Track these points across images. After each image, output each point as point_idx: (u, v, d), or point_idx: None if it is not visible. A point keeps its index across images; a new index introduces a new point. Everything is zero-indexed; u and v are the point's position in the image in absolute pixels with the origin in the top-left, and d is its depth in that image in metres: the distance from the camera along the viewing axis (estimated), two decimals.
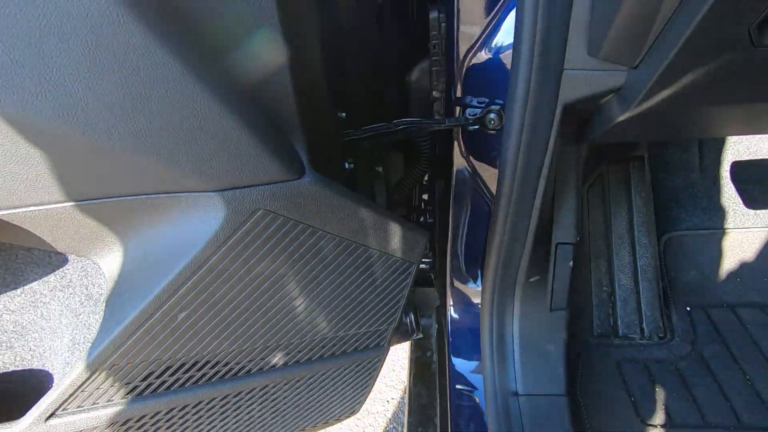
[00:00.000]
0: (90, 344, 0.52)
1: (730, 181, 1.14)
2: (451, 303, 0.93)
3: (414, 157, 0.87)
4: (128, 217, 0.49)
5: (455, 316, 0.93)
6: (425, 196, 1.04)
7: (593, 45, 0.52)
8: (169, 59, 0.38)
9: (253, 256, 0.50)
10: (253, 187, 0.46)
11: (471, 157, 0.79)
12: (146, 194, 0.46)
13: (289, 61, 0.45)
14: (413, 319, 1.07)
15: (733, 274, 1.07)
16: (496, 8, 0.60)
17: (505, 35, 0.62)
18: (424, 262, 1.10)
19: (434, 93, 0.76)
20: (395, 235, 0.57)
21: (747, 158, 1.14)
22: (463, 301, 0.92)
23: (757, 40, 0.40)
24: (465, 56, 0.68)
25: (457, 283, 0.92)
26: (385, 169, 0.81)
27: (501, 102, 0.67)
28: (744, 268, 1.07)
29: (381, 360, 0.69)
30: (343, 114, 0.63)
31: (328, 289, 0.55)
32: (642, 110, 0.55)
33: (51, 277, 0.56)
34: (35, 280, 0.56)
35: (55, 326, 0.58)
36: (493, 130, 0.68)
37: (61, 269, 0.56)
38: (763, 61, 0.43)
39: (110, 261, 0.53)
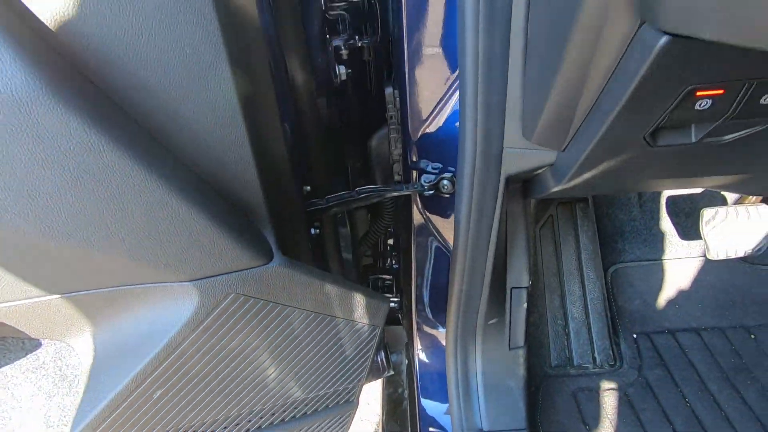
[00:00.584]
0: (66, 427, 0.54)
1: (666, 215, 1.26)
2: (419, 347, 0.98)
3: (377, 212, 0.93)
4: (104, 305, 0.51)
5: (423, 359, 0.98)
6: (390, 241, 1.10)
7: (527, 130, 0.60)
8: (142, 173, 0.42)
9: (226, 335, 0.53)
10: (225, 275, 0.50)
11: (428, 214, 0.85)
12: (122, 286, 0.49)
13: (254, 155, 0.50)
14: (384, 357, 1.11)
15: (671, 302, 1.17)
16: (443, 93, 0.67)
17: (452, 113, 0.69)
18: (392, 302, 1.15)
19: (393, 157, 0.82)
20: (359, 304, 0.62)
21: (679, 193, 1.26)
22: (431, 345, 0.97)
23: (652, 142, 0.48)
24: (418, 128, 0.74)
25: (424, 328, 0.97)
26: (350, 226, 0.86)
27: (453, 170, 0.74)
28: (680, 295, 1.18)
29: (352, 414, 0.72)
30: (308, 188, 0.68)
31: (299, 357, 0.59)
32: (573, 183, 0.63)
33: (23, 360, 0.58)
34: (7, 364, 0.57)
35: (26, 407, 0.59)
36: (446, 194, 0.75)
37: (34, 352, 0.57)
38: (662, 154, 0.52)
39: (85, 344, 0.55)
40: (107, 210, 0.42)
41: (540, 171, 0.68)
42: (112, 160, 0.39)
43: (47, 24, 0.37)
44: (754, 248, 1.06)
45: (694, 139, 0.47)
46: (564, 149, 0.59)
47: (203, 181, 0.48)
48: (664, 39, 0.34)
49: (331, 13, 0.65)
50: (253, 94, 0.50)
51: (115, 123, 0.40)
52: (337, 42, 0.66)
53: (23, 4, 0.37)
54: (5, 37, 0.34)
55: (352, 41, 0.68)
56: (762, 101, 0.42)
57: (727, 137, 0.48)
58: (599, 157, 0.53)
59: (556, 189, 0.65)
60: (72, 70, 0.38)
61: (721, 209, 1.05)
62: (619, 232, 1.25)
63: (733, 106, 0.42)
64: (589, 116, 0.49)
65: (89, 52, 0.38)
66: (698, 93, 0.41)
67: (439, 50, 0.65)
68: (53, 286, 0.48)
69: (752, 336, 1.09)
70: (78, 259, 0.45)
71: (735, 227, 1.04)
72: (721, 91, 0.41)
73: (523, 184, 0.82)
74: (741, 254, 1.07)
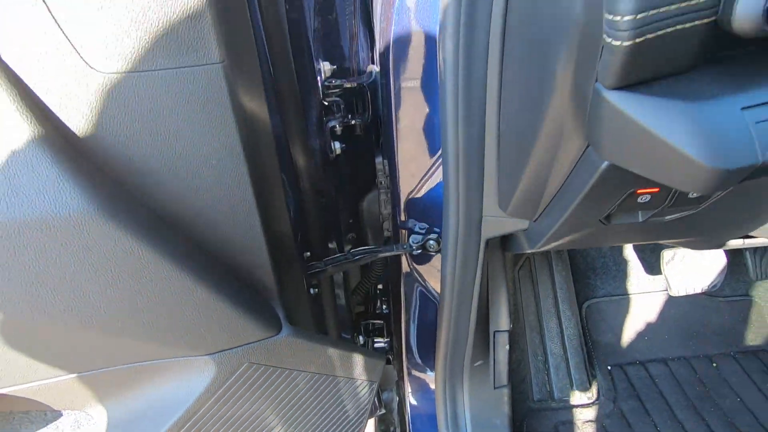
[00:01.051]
0: None
1: (633, 251, 1.36)
2: (410, 391, 1.04)
3: (368, 264, 0.99)
4: (126, 378, 0.56)
5: (414, 402, 1.03)
6: (380, 286, 1.17)
7: (502, 203, 0.68)
8: (172, 267, 0.48)
9: (239, 400, 0.59)
10: (240, 347, 0.56)
11: (415, 265, 0.93)
12: (146, 362, 0.55)
13: (265, 239, 0.56)
14: (376, 396, 1.16)
15: (641, 334, 1.27)
16: (429, 166, 0.76)
17: (437, 184, 0.77)
18: (382, 342, 1.21)
19: (383, 216, 0.90)
20: (357, 363, 0.68)
21: None
22: (420, 389, 1.03)
23: (606, 222, 0.57)
24: (406, 193, 0.82)
25: (413, 372, 1.03)
26: (343, 278, 0.93)
27: (438, 230, 0.82)
28: (648, 327, 1.27)
29: None
30: (308, 253, 0.74)
31: (305, 414, 0.64)
32: (544, 248, 0.71)
33: (43, 430, 0.61)
34: None
35: None
36: (433, 252, 0.82)
37: (54, 422, 0.61)
38: (617, 227, 0.61)
39: (104, 413, 0.59)
40: (140, 300, 0.47)
41: (516, 234, 0.76)
42: (148, 261, 0.45)
43: (97, 150, 0.43)
44: (710, 284, 1.17)
45: (640, 219, 0.56)
46: (535, 220, 0.67)
47: (221, 264, 0.54)
48: (605, 163, 0.42)
49: (328, 99, 0.73)
50: (263, 183, 0.56)
51: (149, 227, 0.46)
52: (333, 122, 0.74)
53: (70, 129, 0.43)
54: (64, 165, 0.41)
55: (345, 120, 0.76)
56: (690, 195, 0.52)
57: (667, 218, 0.57)
58: (565, 231, 0.62)
59: (529, 251, 0.73)
60: (116, 187, 0.44)
61: (679, 250, 1.16)
62: (591, 268, 1.35)
63: (668, 199, 0.52)
64: (553, 202, 0.58)
65: (132, 171, 0.45)
66: (638, 191, 0.50)
67: (425, 130, 0.74)
68: (83, 366, 0.53)
69: (714, 365, 1.19)
70: (109, 342, 0.50)
71: (692, 266, 1.15)
72: (656, 190, 0.50)
73: (502, 239, 0.91)
74: (699, 290, 1.18)
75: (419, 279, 0.94)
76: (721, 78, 0.33)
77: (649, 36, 0.30)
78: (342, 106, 0.75)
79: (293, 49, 0.59)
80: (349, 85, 0.74)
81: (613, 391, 1.16)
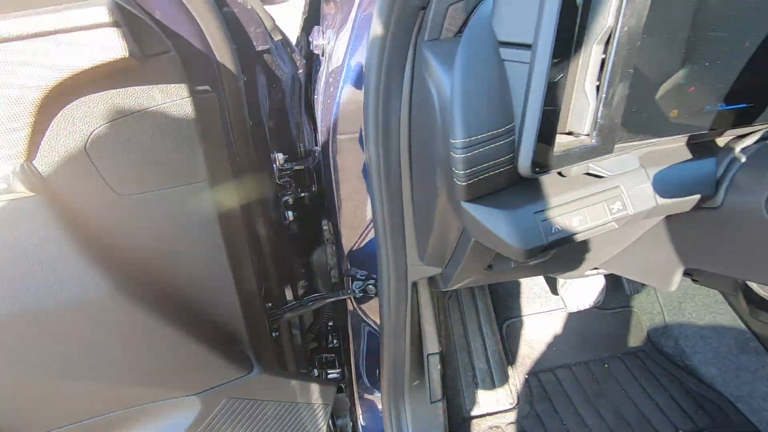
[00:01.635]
0: None
1: (541, 277, 1.65)
2: (360, 413, 1.20)
3: (320, 307, 1.17)
4: (124, 421, 0.69)
5: (364, 423, 1.20)
6: (331, 323, 1.34)
7: (420, 257, 0.89)
8: (169, 327, 0.63)
9: (222, 429, 0.73)
10: (221, 386, 0.71)
11: (359, 306, 1.12)
12: (142, 405, 0.68)
13: (239, 298, 0.73)
14: (331, 424, 1.31)
15: (549, 345, 1.53)
16: (365, 227, 0.96)
17: (371, 239, 0.97)
18: (335, 373, 1.37)
19: (330, 265, 1.09)
20: (314, 390, 0.85)
21: None
22: (369, 409, 1.20)
23: (489, 269, 0.80)
24: (348, 247, 1.02)
25: (364, 395, 1.20)
26: (299, 320, 1.09)
27: (375, 277, 1.01)
28: (555, 339, 1.54)
29: None
30: (269, 304, 0.91)
31: None
32: (454, 288, 0.94)
33: None
34: None
35: None
36: (372, 295, 1.02)
37: None
38: (501, 271, 0.84)
39: None
40: (144, 356, 0.62)
41: (434, 277, 0.98)
42: (152, 324, 0.61)
43: (119, 247, 0.59)
44: (595, 301, 1.46)
45: (513, 266, 0.80)
46: (445, 267, 0.89)
47: (205, 320, 0.70)
48: (473, 240, 0.65)
49: (282, 180, 0.92)
50: (235, 256, 0.74)
51: (153, 299, 0.62)
52: (286, 197, 0.93)
53: (97, 231, 0.59)
54: (85, 256, 0.56)
55: (296, 194, 0.95)
56: None
57: (531, 263, 0.81)
58: (464, 276, 0.84)
59: (444, 290, 0.95)
60: (130, 272, 0.60)
61: None
62: (509, 293, 1.61)
63: None
64: (452, 257, 0.80)
65: (143, 258, 0.61)
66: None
67: (362, 200, 0.95)
68: (86, 414, 0.66)
69: (606, 366, 1.47)
70: (110, 392, 0.64)
71: (580, 288, 1.44)
72: None
73: (429, 281, 1.13)
74: (589, 306, 1.47)
75: (363, 316, 1.13)
76: (523, 194, 0.57)
77: (475, 179, 0.52)
78: (293, 184, 0.94)
79: (255, 149, 0.78)
80: (298, 168, 0.93)
81: (529, 396, 1.40)
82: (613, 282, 1.56)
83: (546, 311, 1.58)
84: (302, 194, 0.96)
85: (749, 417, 1.25)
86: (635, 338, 1.54)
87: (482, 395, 1.38)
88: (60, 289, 0.54)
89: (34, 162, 0.50)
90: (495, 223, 0.56)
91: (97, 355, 0.58)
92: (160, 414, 0.69)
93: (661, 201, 0.61)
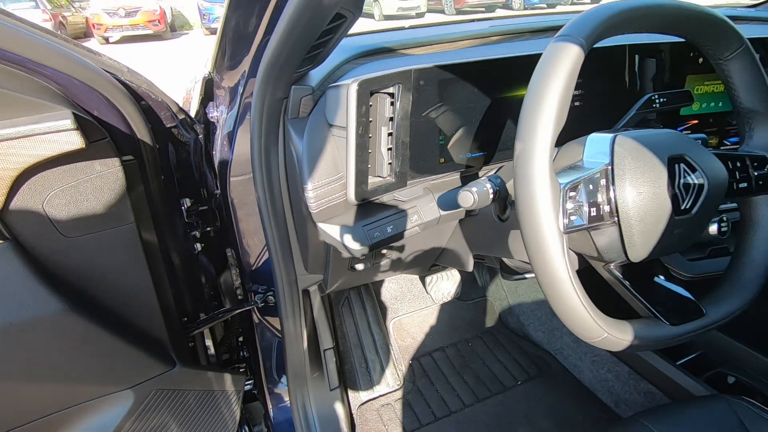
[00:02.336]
0: None
1: (418, 282, 2.03)
2: (271, 407, 1.43)
3: (229, 322, 1.40)
4: (74, 415, 0.86)
5: (274, 414, 1.43)
6: (240, 339, 1.56)
7: (306, 266, 1.19)
8: (109, 334, 0.84)
9: (152, 416, 0.93)
10: (150, 379, 0.92)
11: (263, 316, 1.37)
12: (85, 402, 0.87)
13: (160, 309, 0.95)
14: (247, 430, 1.51)
15: (427, 334, 1.90)
16: (260, 250, 1.23)
17: (268, 259, 1.25)
18: (247, 384, 1.57)
19: (235, 284, 1.33)
20: (228, 379, 1.07)
21: None
22: (279, 401, 1.43)
23: (353, 270, 1.12)
24: (250, 267, 1.28)
25: (274, 390, 1.43)
26: (212, 338, 1.31)
27: (273, 289, 1.28)
28: (431, 329, 1.92)
29: None
30: (185, 318, 1.13)
31: (196, 416, 1.01)
32: (333, 289, 1.24)
33: None
34: None
35: None
36: (272, 304, 1.28)
37: None
38: (365, 271, 1.17)
39: None
40: (87, 360, 0.82)
41: (319, 282, 1.28)
42: (95, 332, 0.81)
43: (67, 271, 0.79)
44: (455, 293, 1.88)
45: (370, 266, 1.13)
46: (324, 273, 1.20)
47: (137, 329, 0.91)
48: (332, 246, 0.97)
49: (190, 219, 1.16)
50: (156, 278, 0.97)
51: (94, 314, 0.82)
52: (194, 232, 1.17)
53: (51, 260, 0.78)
54: (42, 285, 0.76)
55: (202, 229, 1.19)
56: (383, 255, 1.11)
57: (381, 263, 1.16)
58: (337, 278, 1.15)
59: (328, 291, 1.26)
60: (74, 292, 0.81)
61: (434, 276, 1.85)
62: (393, 297, 1.97)
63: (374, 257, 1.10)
64: (326, 265, 1.11)
65: (87, 283, 0.81)
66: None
67: (257, 229, 1.22)
68: (38, 413, 0.82)
69: (469, 344, 1.87)
70: (60, 393, 0.82)
71: (442, 284, 1.85)
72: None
73: (318, 287, 1.42)
74: (450, 298, 1.88)
75: (266, 324, 1.38)
76: (355, 215, 0.91)
77: (322, 208, 0.85)
78: (200, 222, 1.18)
79: (167, 197, 1.02)
80: (202, 208, 1.18)
81: (412, 376, 1.74)
82: (469, 279, 2.00)
83: (423, 308, 1.96)
84: (208, 229, 1.21)
85: (563, 363, 1.73)
86: (490, 320, 1.98)
87: (375, 381, 1.69)
88: (22, 310, 0.74)
89: (3, 218, 0.70)
90: (338, 234, 0.88)
91: (51, 361, 0.77)
92: (101, 408, 0.87)
93: (443, 213, 0.99)
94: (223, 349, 1.37)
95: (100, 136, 0.75)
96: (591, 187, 0.66)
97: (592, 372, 1.61)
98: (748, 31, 1.49)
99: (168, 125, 0.95)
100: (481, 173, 1.04)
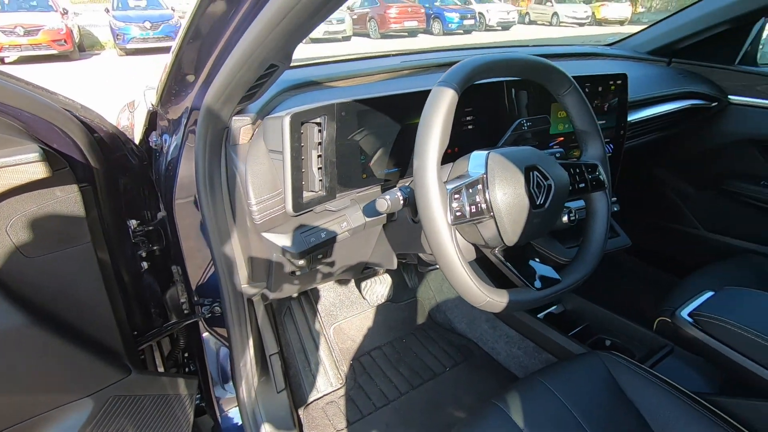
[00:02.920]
0: None
1: (354, 287, 2.21)
2: (220, 417, 1.51)
3: (175, 337, 1.47)
4: (36, 425, 0.92)
5: (222, 421, 1.51)
6: (186, 354, 1.62)
7: (250, 276, 1.32)
8: (71, 347, 0.91)
9: (111, 422, 1.00)
10: (107, 387, 1.00)
11: (210, 327, 1.46)
12: (49, 410, 0.92)
13: (115, 323, 1.04)
14: None
15: (365, 335, 2.07)
16: (206, 266, 1.34)
17: (214, 273, 1.35)
18: (197, 399, 1.63)
19: (181, 299, 1.41)
20: (181, 384, 1.16)
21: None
22: (227, 408, 1.52)
23: (293, 275, 1.28)
24: (195, 283, 1.38)
25: (222, 399, 1.51)
26: (160, 352, 1.38)
27: (219, 300, 1.39)
28: (369, 330, 2.10)
29: None
30: (135, 332, 1.20)
31: (152, 420, 1.08)
32: (275, 296, 1.38)
33: None
34: None
35: None
36: (218, 315, 1.39)
37: None
38: (306, 276, 1.32)
39: None
40: (49, 371, 0.89)
41: (263, 291, 1.41)
42: (56, 344, 0.89)
43: (32, 292, 0.86)
44: (387, 296, 2.08)
45: (307, 270, 1.29)
46: (267, 282, 1.33)
47: (96, 342, 0.98)
48: (275, 254, 1.12)
49: (136, 239, 1.24)
50: (111, 295, 1.05)
51: (55, 327, 0.90)
52: (141, 251, 1.25)
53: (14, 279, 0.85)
54: (6, 300, 0.83)
55: (149, 248, 1.27)
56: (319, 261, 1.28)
57: (319, 267, 1.32)
58: (279, 285, 1.30)
59: (271, 298, 1.39)
60: (36, 306, 0.88)
61: (368, 281, 2.04)
62: (333, 304, 2.12)
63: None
64: (269, 274, 1.25)
65: (48, 298, 0.89)
66: None
67: (201, 246, 1.33)
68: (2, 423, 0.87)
69: (403, 340, 2.08)
70: (23, 404, 0.88)
71: (375, 288, 2.05)
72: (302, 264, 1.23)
73: (261, 294, 1.55)
74: (384, 300, 2.08)
75: (213, 334, 1.47)
76: (294, 224, 1.07)
77: (264, 220, 1.00)
78: (146, 241, 1.27)
79: (116, 218, 1.11)
80: (148, 229, 1.27)
81: (353, 374, 1.90)
82: (400, 282, 2.22)
83: (359, 312, 2.13)
84: (154, 248, 1.29)
85: (483, 347, 1.99)
86: (420, 317, 2.21)
87: (319, 382, 1.82)
88: None
89: None
90: (280, 241, 1.04)
91: (14, 373, 0.83)
92: (62, 417, 0.92)
93: (368, 219, 1.18)
94: (170, 364, 1.44)
95: (61, 165, 0.85)
96: (471, 190, 0.89)
97: (506, 351, 1.88)
98: (594, 68, 1.89)
99: (117, 154, 1.06)
100: (398, 185, 1.26)
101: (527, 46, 2.10)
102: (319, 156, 1.04)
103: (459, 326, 2.09)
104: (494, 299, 0.88)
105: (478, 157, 0.97)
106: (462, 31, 17.35)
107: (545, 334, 1.72)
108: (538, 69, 1.00)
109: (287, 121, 0.96)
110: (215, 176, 1.08)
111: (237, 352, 1.41)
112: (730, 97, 1.96)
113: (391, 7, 15.56)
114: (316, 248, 1.09)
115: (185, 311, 1.42)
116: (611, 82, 1.51)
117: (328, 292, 2.13)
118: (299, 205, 1.03)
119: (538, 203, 0.94)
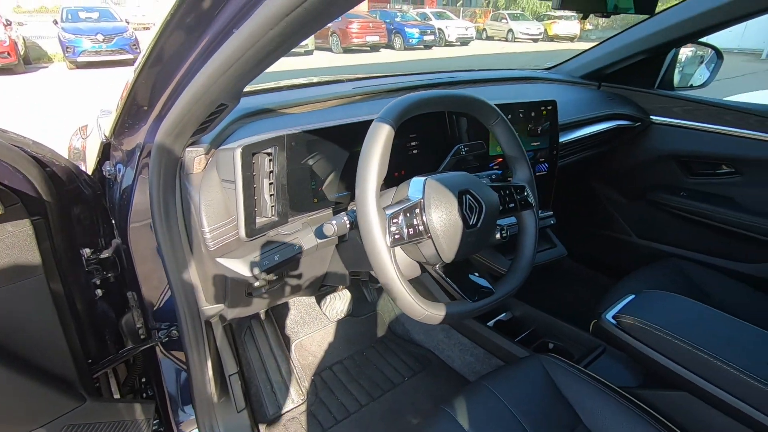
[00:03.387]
0: None
1: (315, 303, 2.26)
2: None
3: (131, 362, 1.47)
4: None
5: None
6: (144, 379, 1.62)
7: (207, 299, 1.35)
8: (24, 378, 0.93)
9: None
10: (61, 416, 1.01)
11: (167, 351, 1.47)
12: None
13: (69, 352, 1.05)
14: None
15: (326, 350, 2.12)
16: (163, 289, 1.36)
17: (170, 297, 1.38)
18: (155, 424, 1.62)
19: (137, 324, 1.42)
20: (137, 408, 1.18)
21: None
22: (188, 429, 1.53)
23: (250, 296, 1.32)
24: (152, 307, 1.39)
25: (181, 423, 1.52)
26: (116, 378, 1.38)
27: (176, 323, 1.41)
28: (330, 345, 2.15)
29: None
30: (90, 360, 1.21)
31: None
32: (234, 316, 1.42)
33: None
34: None
35: None
36: (175, 338, 1.41)
37: None
38: (264, 296, 1.37)
39: None
40: (1, 402, 0.90)
41: (222, 311, 1.44)
42: (9, 379, 0.90)
43: None
44: (347, 311, 2.15)
45: (263, 291, 1.34)
46: (224, 303, 1.37)
47: (49, 372, 0.99)
48: (229, 278, 1.17)
49: (90, 267, 1.25)
50: (65, 325, 1.06)
51: (10, 358, 0.91)
52: (95, 279, 1.26)
53: None
54: None
55: (103, 275, 1.28)
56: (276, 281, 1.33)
57: (273, 288, 1.37)
58: (236, 304, 1.34)
59: (229, 318, 1.42)
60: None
61: (328, 297, 2.10)
62: (294, 321, 2.16)
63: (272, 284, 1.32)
64: (226, 295, 1.29)
65: (3, 330, 0.90)
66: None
67: (157, 269, 1.35)
68: None
69: (364, 353, 2.14)
70: None
71: (335, 303, 2.11)
72: (274, 278, 1.29)
73: (220, 316, 1.57)
74: (344, 315, 2.14)
75: (171, 358, 1.49)
76: (248, 248, 1.13)
77: (218, 246, 1.06)
78: (100, 269, 1.28)
79: (69, 248, 1.13)
80: (102, 257, 1.28)
81: (315, 389, 1.94)
82: (360, 296, 2.29)
83: (320, 328, 2.18)
84: (108, 275, 1.31)
85: (439, 356, 2.08)
86: (381, 330, 2.28)
87: (281, 399, 1.85)
88: None
89: None
90: (235, 265, 1.10)
91: None
92: None
93: (319, 241, 1.25)
94: (126, 390, 1.44)
95: (13, 201, 0.87)
96: (409, 214, 0.98)
97: (460, 358, 1.99)
98: (530, 92, 2.05)
99: (69, 186, 1.08)
100: (349, 208, 1.34)
101: (473, 70, 2.25)
102: (270, 183, 1.11)
103: (417, 337, 2.18)
104: (432, 312, 0.97)
105: (417, 183, 1.06)
106: (423, 46, 17.84)
107: (494, 340, 1.84)
108: (469, 103, 1.12)
109: (238, 153, 1.02)
110: (170, 205, 1.12)
111: (195, 374, 1.43)
112: (652, 117, 2.18)
113: (353, 22, 15.82)
114: (270, 271, 1.15)
115: (141, 336, 1.43)
116: (543, 108, 1.67)
117: (290, 309, 2.17)
118: (252, 231, 1.09)
119: (471, 223, 1.04)
